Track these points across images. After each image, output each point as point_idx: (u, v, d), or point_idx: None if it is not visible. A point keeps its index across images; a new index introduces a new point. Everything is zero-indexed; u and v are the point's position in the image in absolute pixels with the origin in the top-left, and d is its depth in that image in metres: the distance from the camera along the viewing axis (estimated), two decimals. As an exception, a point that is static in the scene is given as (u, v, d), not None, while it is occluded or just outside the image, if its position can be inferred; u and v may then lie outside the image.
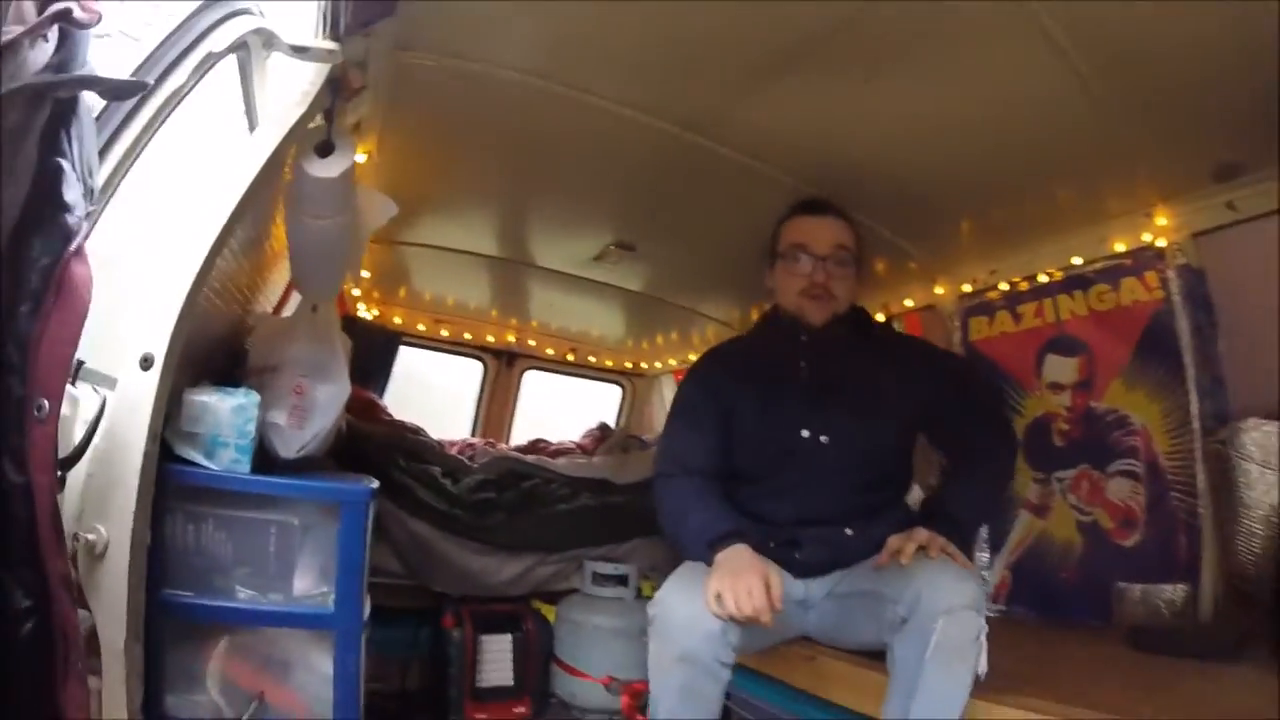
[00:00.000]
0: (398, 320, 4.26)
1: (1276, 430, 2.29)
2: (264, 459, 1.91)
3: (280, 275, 2.65)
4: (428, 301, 4.28)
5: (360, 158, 2.25)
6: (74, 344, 0.84)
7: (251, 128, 1.95)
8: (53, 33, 0.78)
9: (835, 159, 2.46)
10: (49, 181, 0.81)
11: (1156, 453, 2.59)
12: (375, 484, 2.08)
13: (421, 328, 4.35)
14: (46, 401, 0.80)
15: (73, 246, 0.82)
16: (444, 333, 4.44)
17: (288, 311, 2.81)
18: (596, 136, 2.52)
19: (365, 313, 4.07)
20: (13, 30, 0.71)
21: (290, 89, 1.91)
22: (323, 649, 1.82)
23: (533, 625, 3.01)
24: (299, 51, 1.82)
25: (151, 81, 1.10)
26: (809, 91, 2.20)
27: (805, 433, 2.11)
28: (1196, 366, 2.49)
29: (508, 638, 2.92)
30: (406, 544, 2.90)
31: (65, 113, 0.83)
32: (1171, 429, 2.56)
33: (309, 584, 1.86)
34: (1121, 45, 1.89)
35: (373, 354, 3.94)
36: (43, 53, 0.78)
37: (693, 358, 4.58)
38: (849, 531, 2.07)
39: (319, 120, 1.97)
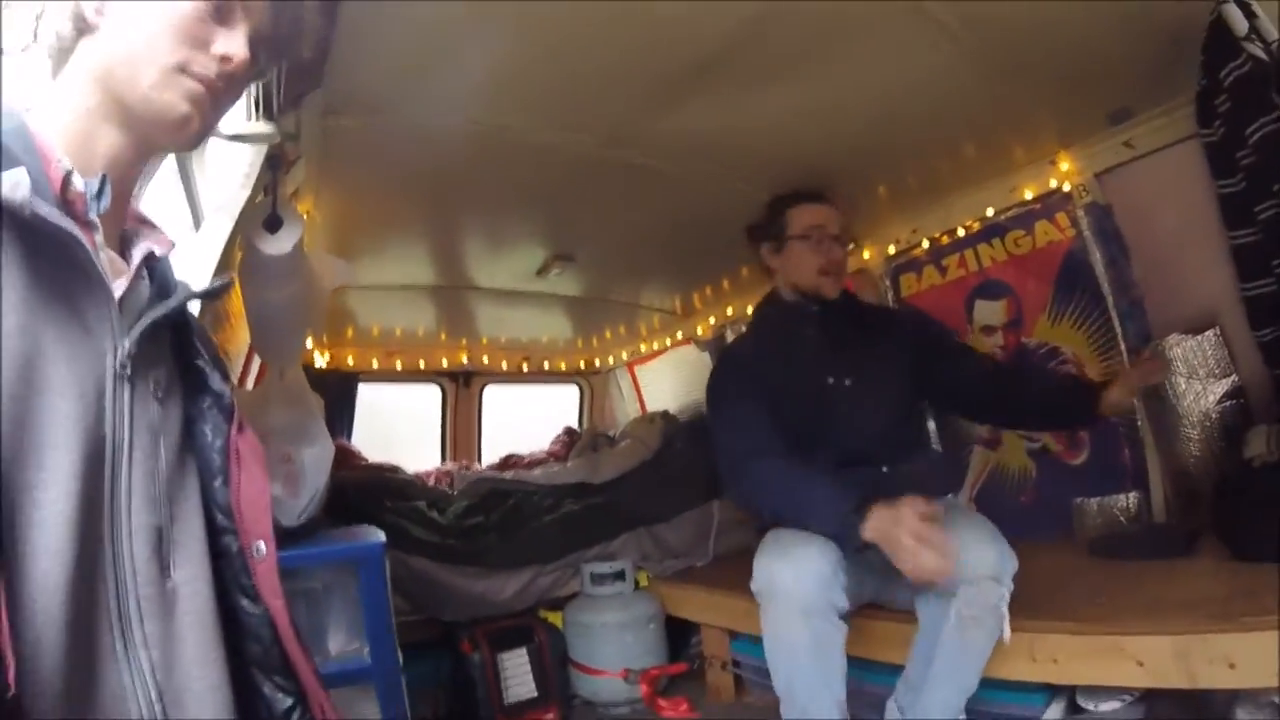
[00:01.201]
0: (350, 361, 4.26)
1: (1197, 343, 2.50)
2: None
3: (240, 343, 2.67)
4: (376, 337, 4.29)
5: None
6: (267, 492, 1.00)
7: (196, 222, 1.99)
8: (143, 270, 0.93)
9: (753, 154, 2.60)
10: (198, 382, 0.98)
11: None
12: (383, 535, 2.13)
13: (375, 363, 4.34)
14: (262, 543, 0.96)
15: (234, 426, 0.98)
16: (398, 364, 4.43)
17: (252, 374, 2.85)
18: (522, 164, 2.60)
19: (318, 359, 4.06)
20: (121, 284, 0.85)
21: (229, 172, 1.96)
22: (368, 699, 1.89)
23: (544, 635, 3.07)
24: (237, 139, 1.86)
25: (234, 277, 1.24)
26: (720, 99, 2.33)
27: (830, 380, 2.27)
28: (1114, 294, 2.67)
29: (523, 651, 2.98)
30: (408, 580, 2.95)
31: (182, 325, 0.98)
32: (1100, 353, 2.75)
33: (342, 641, 1.93)
34: (1003, 17, 2.04)
35: (333, 399, 3.90)
36: (145, 289, 0.92)
37: (644, 348, 4.73)
38: (885, 469, 2.19)
39: (262, 196, 2.03)
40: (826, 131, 2.51)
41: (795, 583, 1.82)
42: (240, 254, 2.05)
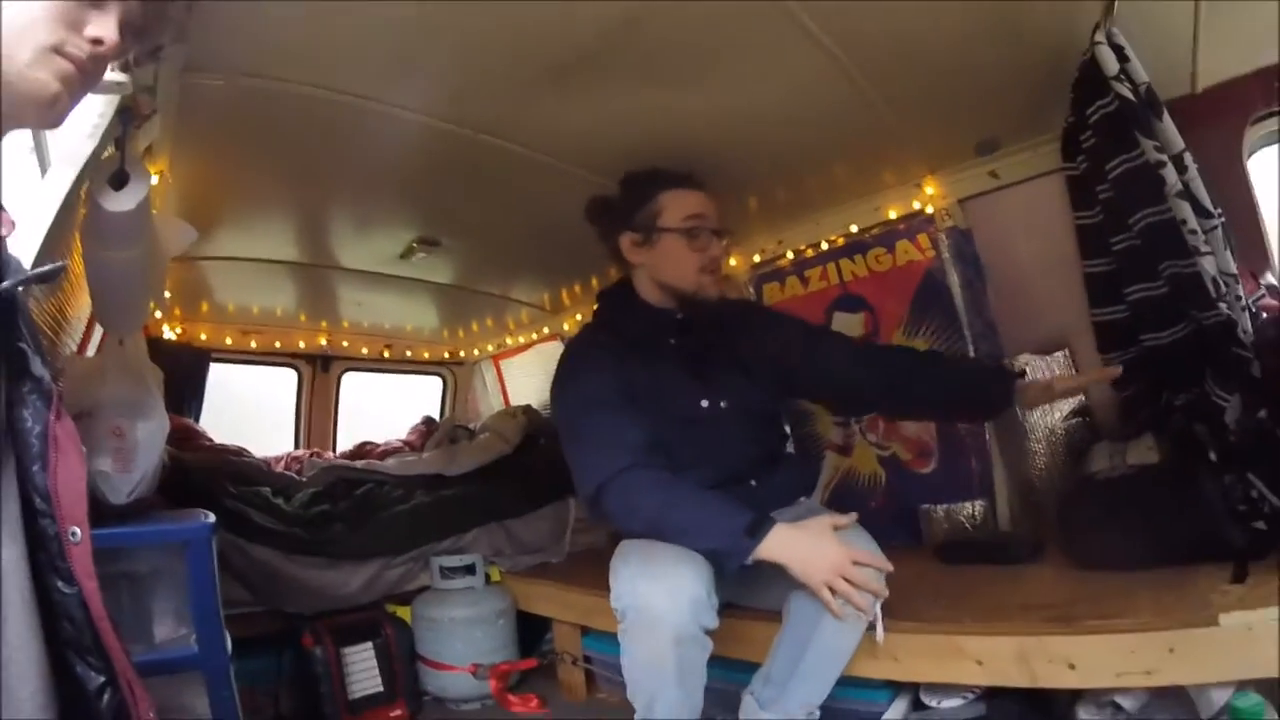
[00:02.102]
0: (204, 337, 4.03)
1: (1046, 364, 2.68)
2: (94, 509, 1.82)
3: (81, 309, 2.51)
4: (233, 313, 4.08)
5: (152, 179, 2.16)
6: (84, 478, 1.00)
7: (43, 169, 1.85)
8: None
9: (626, 152, 2.51)
10: (20, 366, 0.98)
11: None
12: (213, 517, 2.01)
13: (229, 341, 4.13)
14: (77, 529, 0.97)
15: (54, 412, 0.98)
16: (253, 344, 4.23)
17: (93, 344, 2.67)
18: (391, 142, 2.51)
19: (169, 333, 3.84)
20: None
21: (79, 122, 1.82)
22: (195, 691, 1.78)
23: (391, 629, 2.99)
24: (88, 86, 1.73)
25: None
26: (597, 95, 2.31)
27: (705, 402, 2.13)
28: (969, 313, 2.79)
29: (369, 646, 2.89)
30: (250, 571, 2.84)
31: (8, 307, 0.97)
32: None
33: (169, 628, 1.82)
34: (882, 42, 2.11)
35: (182, 376, 3.75)
36: None
37: (510, 341, 4.66)
38: (754, 483, 2.13)
39: (111, 150, 1.90)
40: (702, 137, 2.49)
41: (668, 609, 1.70)
42: (84, 210, 1.92)
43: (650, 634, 1.72)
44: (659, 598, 1.70)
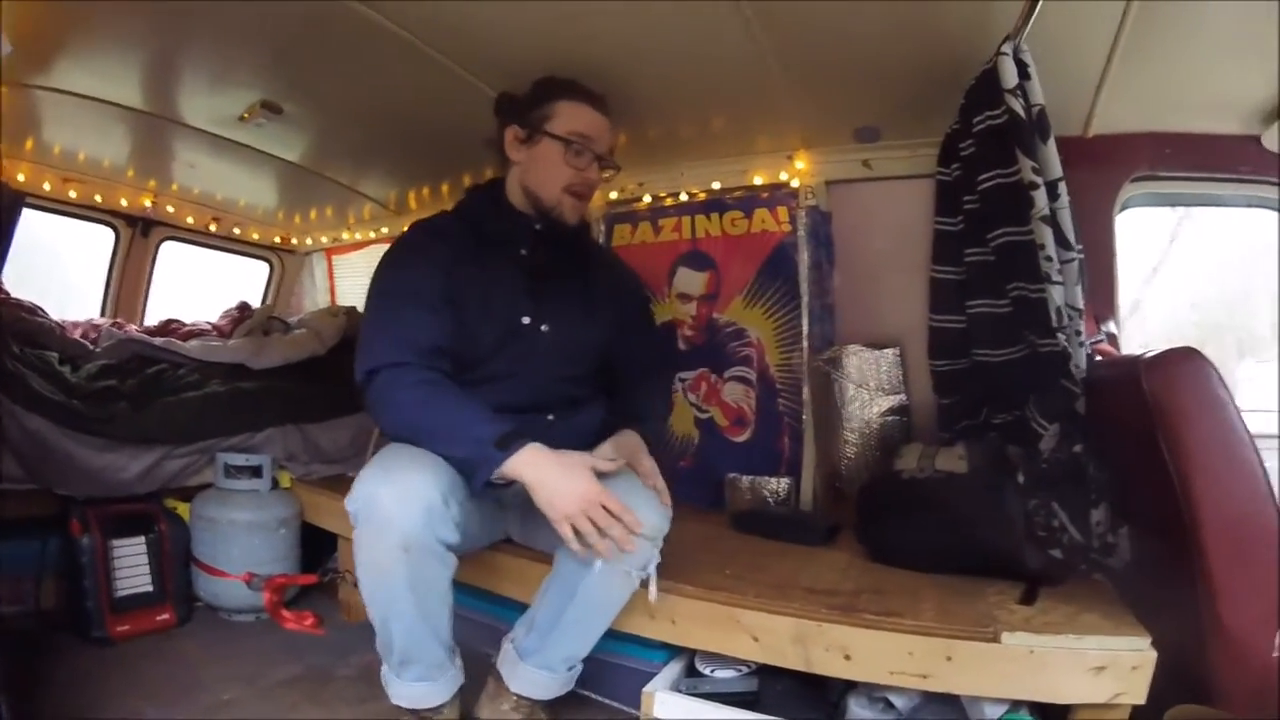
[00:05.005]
0: (21, 178, 3.60)
1: (875, 357, 2.77)
2: None
3: None
4: (57, 156, 3.68)
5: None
6: None
7: None
8: None
9: (506, 56, 2.45)
10: None
11: (768, 364, 2.99)
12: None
13: (47, 187, 3.73)
14: None
15: None
16: (73, 194, 3.83)
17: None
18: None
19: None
20: None
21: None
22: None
23: (166, 525, 2.81)
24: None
25: None
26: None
27: (526, 319, 2.06)
28: (811, 294, 2.82)
29: (141, 541, 2.72)
30: (23, 442, 2.60)
31: None
32: (783, 345, 2.96)
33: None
34: (791, 4, 2.08)
35: (-8, 217, 3.40)
36: None
37: (346, 236, 4.52)
38: (550, 418, 2.08)
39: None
40: (585, 55, 2.38)
41: (398, 513, 1.63)
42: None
43: (379, 539, 1.66)
44: (389, 501, 1.64)
